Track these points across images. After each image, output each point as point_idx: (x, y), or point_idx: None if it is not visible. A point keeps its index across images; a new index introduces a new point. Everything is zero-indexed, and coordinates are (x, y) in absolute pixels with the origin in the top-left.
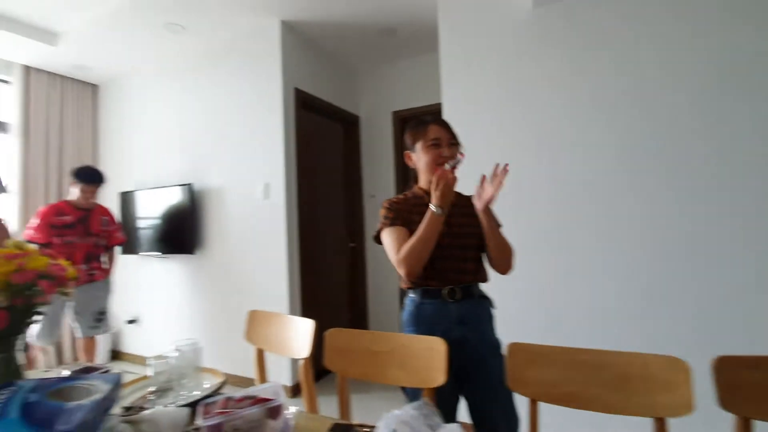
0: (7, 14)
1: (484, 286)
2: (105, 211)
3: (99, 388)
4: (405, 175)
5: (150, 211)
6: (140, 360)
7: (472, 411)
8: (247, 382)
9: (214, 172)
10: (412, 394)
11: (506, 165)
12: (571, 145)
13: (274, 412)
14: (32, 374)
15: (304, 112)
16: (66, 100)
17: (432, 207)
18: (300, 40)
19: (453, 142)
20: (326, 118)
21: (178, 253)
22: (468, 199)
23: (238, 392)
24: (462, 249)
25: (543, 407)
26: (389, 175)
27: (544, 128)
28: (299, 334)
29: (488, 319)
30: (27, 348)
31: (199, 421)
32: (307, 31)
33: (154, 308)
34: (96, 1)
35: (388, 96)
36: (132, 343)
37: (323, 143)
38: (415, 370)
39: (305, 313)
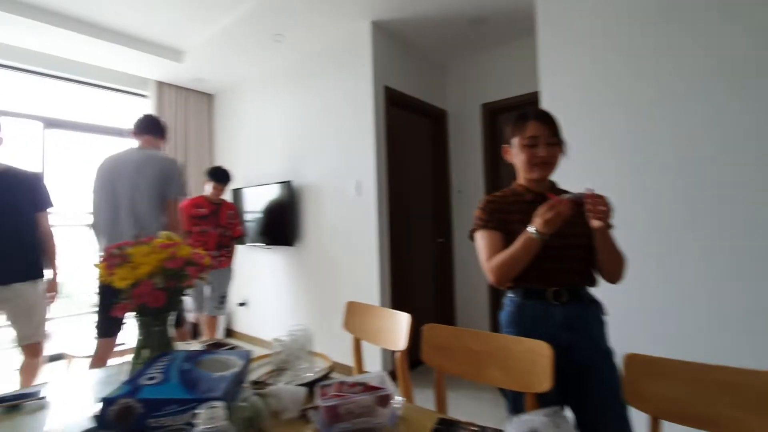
0: (145, 38)
1: (593, 290)
2: (231, 206)
3: (235, 362)
4: (494, 169)
5: (255, 205)
6: (248, 338)
7: (581, 423)
8: (341, 367)
9: (311, 170)
10: (513, 398)
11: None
12: (692, 141)
13: (384, 400)
14: (180, 346)
15: (393, 109)
16: (188, 110)
17: (531, 229)
18: (389, 39)
19: (552, 141)
20: (414, 113)
21: (280, 244)
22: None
23: (350, 378)
24: (570, 249)
25: (666, 427)
26: (478, 170)
27: (652, 118)
28: (396, 327)
29: (599, 324)
30: (181, 323)
31: (318, 401)
32: (396, 29)
33: (260, 293)
34: (213, 20)
35: (476, 88)
36: (242, 323)
37: (412, 139)
38: (517, 373)
39: (394, 305)
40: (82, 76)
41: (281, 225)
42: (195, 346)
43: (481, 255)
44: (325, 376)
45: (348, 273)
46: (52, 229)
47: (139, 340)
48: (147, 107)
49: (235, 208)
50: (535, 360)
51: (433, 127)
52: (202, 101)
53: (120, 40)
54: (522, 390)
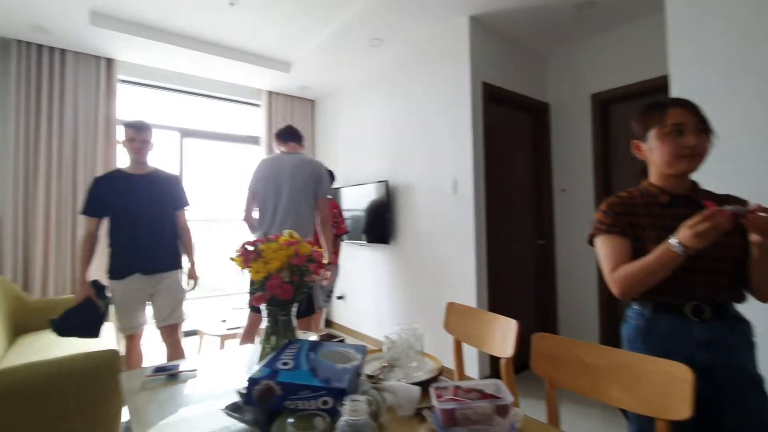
0: (260, 53)
1: (740, 307)
2: (335, 205)
3: (353, 355)
4: (605, 165)
5: (353, 204)
6: (345, 330)
7: None
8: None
9: (407, 169)
10: (638, 422)
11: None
12: None
13: (503, 410)
14: (299, 335)
15: (491, 105)
16: (294, 116)
17: (673, 241)
18: (487, 33)
19: (702, 127)
20: (513, 108)
21: (376, 242)
22: (726, 200)
23: (465, 383)
24: (716, 260)
25: None
26: (585, 167)
27: None
28: (502, 333)
29: (746, 346)
30: (312, 311)
31: (434, 402)
32: (494, 21)
33: (358, 288)
34: (316, 31)
35: (583, 78)
36: (341, 316)
37: (510, 135)
38: (646, 396)
39: (490, 307)
40: (210, 90)
41: (378, 223)
42: (312, 336)
43: (604, 264)
44: (436, 378)
45: (443, 272)
46: (188, 224)
47: (267, 327)
48: (260, 115)
49: (339, 207)
50: (671, 383)
51: (534, 121)
52: (305, 107)
53: (240, 57)
54: (652, 415)
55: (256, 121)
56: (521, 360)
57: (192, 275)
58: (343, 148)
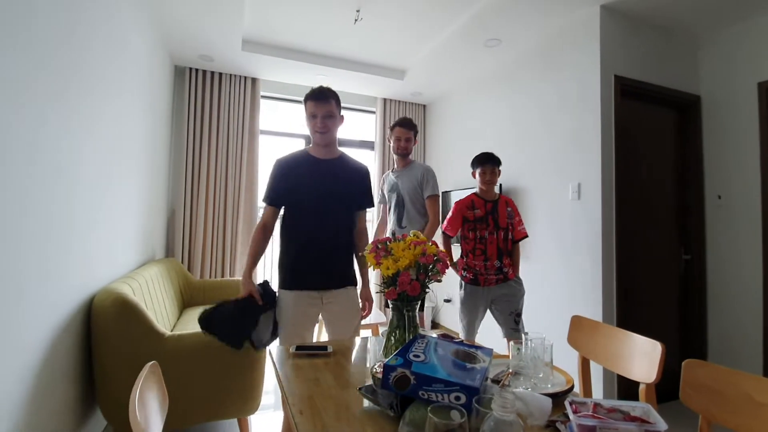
0: (377, 63)
1: None
2: (510, 202)
3: (482, 356)
4: None
5: None
6: (451, 333)
7: None
8: None
9: (524, 172)
10: None
11: None
12: None
13: None
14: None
15: (625, 100)
16: None
17: None
18: (621, 21)
19: None
20: (653, 103)
21: None
22: None
23: (606, 401)
24: None
25: None
26: (749, 170)
27: None
28: (642, 356)
29: None
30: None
31: (570, 416)
32: (631, 8)
33: None
34: (431, 38)
35: (746, 64)
36: (446, 318)
37: (650, 133)
38: None
39: (620, 325)
40: None
41: None
42: (431, 333)
43: None
44: (568, 391)
45: (562, 282)
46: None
47: (391, 322)
48: (374, 121)
49: (514, 204)
50: None
51: (680, 117)
52: (418, 112)
53: (360, 68)
54: None
55: (370, 127)
56: (660, 388)
57: (366, 296)
58: (455, 151)
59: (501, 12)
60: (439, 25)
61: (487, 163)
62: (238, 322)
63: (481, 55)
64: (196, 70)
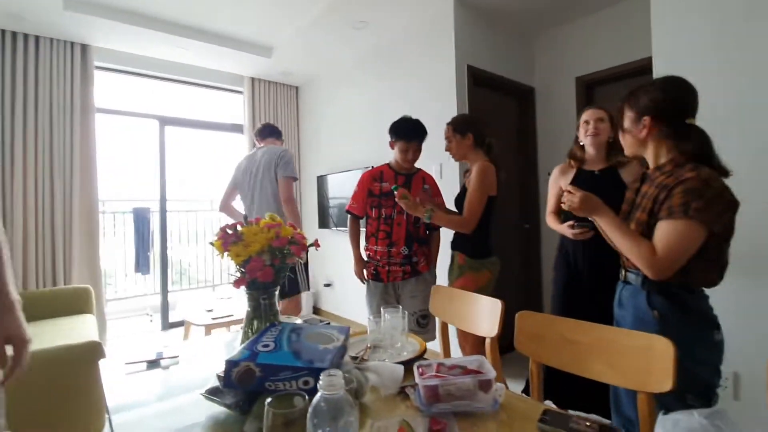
0: (239, 37)
1: None
2: (428, 178)
3: (336, 336)
4: None
5: (339, 191)
6: (334, 317)
7: None
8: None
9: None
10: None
11: None
12: None
13: (486, 385)
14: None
15: (477, 88)
16: (277, 102)
17: None
18: (473, 15)
19: None
20: (499, 92)
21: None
22: None
23: (448, 360)
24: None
25: None
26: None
27: None
28: (487, 314)
29: None
30: (295, 292)
31: (417, 380)
32: (481, 3)
33: (345, 275)
34: (297, 15)
35: (569, 60)
36: (327, 303)
37: (496, 119)
38: (625, 370)
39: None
40: (190, 77)
41: None
42: (295, 320)
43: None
44: (420, 356)
45: None
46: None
47: (248, 311)
48: (242, 102)
49: (434, 180)
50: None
51: (519, 105)
52: (289, 93)
53: (220, 41)
54: (636, 389)
55: (239, 109)
56: (508, 341)
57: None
58: (327, 135)
59: None
60: (307, 3)
61: (413, 138)
62: None
63: (351, 37)
64: (3, 31)
